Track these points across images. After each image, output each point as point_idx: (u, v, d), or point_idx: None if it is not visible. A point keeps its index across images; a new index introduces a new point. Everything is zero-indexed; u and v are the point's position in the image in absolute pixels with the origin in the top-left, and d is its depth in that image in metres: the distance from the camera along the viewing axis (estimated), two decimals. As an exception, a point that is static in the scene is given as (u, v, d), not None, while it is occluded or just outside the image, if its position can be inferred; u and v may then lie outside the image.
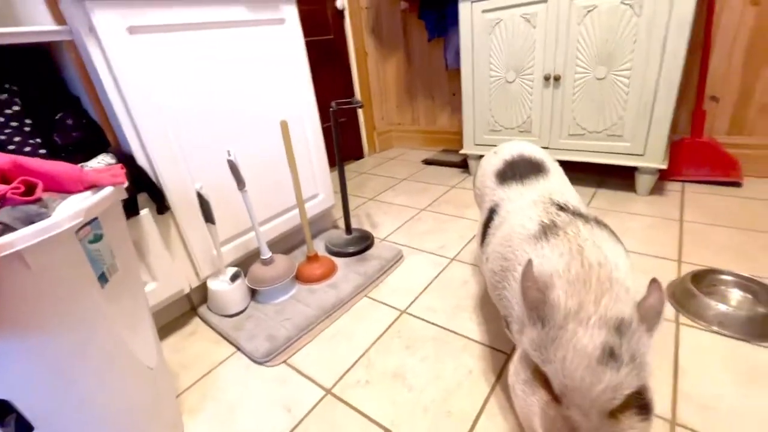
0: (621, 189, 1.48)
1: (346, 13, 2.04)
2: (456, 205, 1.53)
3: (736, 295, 0.88)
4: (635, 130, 1.32)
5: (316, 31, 1.93)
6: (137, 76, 0.80)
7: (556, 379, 0.41)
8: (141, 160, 0.84)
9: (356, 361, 0.82)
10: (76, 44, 0.77)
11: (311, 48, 1.91)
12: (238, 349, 0.90)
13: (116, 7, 0.75)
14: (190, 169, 0.92)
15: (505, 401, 0.70)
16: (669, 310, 0.86)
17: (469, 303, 0.96)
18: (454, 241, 1.25)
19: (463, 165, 1.94)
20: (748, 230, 1.11)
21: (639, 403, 0.40)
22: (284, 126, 0.95)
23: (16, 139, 0.75)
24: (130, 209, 0.81)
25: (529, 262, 0.48)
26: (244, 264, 1.12)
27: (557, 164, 0.80)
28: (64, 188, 0.52)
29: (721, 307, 0.80)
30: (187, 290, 0.97)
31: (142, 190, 0.83)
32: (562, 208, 0.61)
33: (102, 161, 0.77)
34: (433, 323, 0.91)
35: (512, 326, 0.55)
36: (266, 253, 1.01)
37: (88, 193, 0.54)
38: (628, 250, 1.05)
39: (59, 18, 0.76)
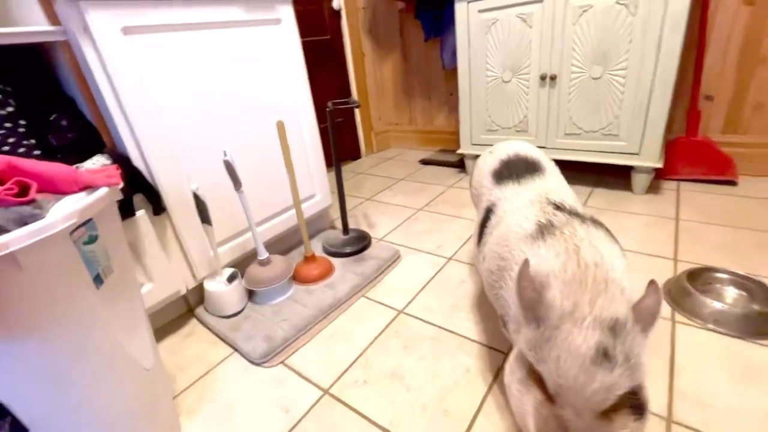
0: (617, 188, 1.48)
1: (343, 14, 2.04)
2: (453, 204, 1.53)
3: (731, 292, 0.88)
4: (631, 129, 1.32)
5: (312, 31, 1.93)
6: (132, 76, 0.79)
7: (550, 378, 0.41)
8: (137, 160, 0.84)
9: (354, 361, 0.82)
10: (70, 45, 0.76)
11: (308, 48, 1.91)
12: (236, 350, 0.89)
13: (111, 8, 0.75)
14: (186, 169, 0.91)
15: (502, 400, 0.70)
16: (665, 309, 0.86)
17: (466, 302, 0.96)
18: (452, 241, 1.25)
19: (461, 165, 1.95)
20: (743, 228, 1.12)
21: (633, 403, 0.40)
22: (280, 126, 0.94)
23: (11, 140, 0.75)
24: (126, 210, 0.80)
25: (526, 262, 0.48)
26: (241, 265, 1.11)
27: (553, 163, 0.80)
28: (58, 189, 0.52)
29: (717, 305, 0.81)
30: (183, 291, 0.97)
31: (138, 191, 0.83)
32: (558, 207, 0.61)
33: (97, 162, 0.76)
34: (430, 323, 0.91)
35: (509, 325, 0.55)
36: (263, 254, 1.01)
37: (82, 194, 0.54)
38: (624, 249, 1.06)
39: (53, 18, 0.75)
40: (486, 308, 0.93)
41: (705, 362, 0.72)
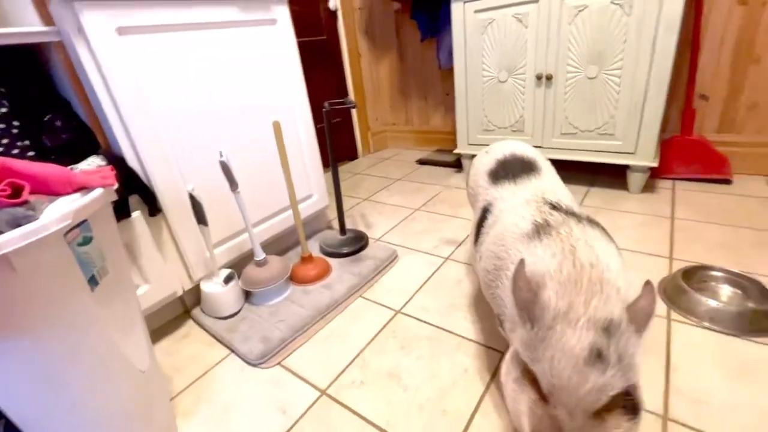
0: (613, 187, 1.49)
1: (339, 14, 2.04)
2: (450, 204, 1.53)
3: (726, 290, 0.89)
4: (626, 128, 1.33)
5: (309, 31, 1.93)
6: (127, 77, 0.79)
7: (544, 378, 0.42)
8: (132, 161, 0.83)
9: (351, 362, 0.82)
10: (64, 45, 0.76)
11: (304, 49, 1.91)
12: (233, 351, 0.89)
13: (105, 8, 0.74)
14: (182, 170, 0.91)
15: (499, 399, 0.70)
16: (661, 307, 0.87)
17: (463, 302, 0.96)
18: (449, 240, 1.25)
19: (457, 165, 1.95)
20: (738, 227, 1.12)
21: (627, 403, 0.40)
22: (277, 127, 0.94)
23: (4, 141, 0.74)
24: (122, 211, 0.80)
25: (521, 262, 0.48)
26: (238, 265, 1.11)
27: (549, 163, 0.80)
28: (52, 190, 0.52)
29: (712, 303, 0.81)
30: (180, 293, 0.96)
31: (134, 192, 0.82)
32: (554, 207, 0.61)
33: (92, 163, 0.76)
34: (427, 323, 0.91)
35: (505, 325, 0.55)
36: (260, 255, 1.01)
37: (77, 195, 0.54)
38: (620, 248, 1.06)
39: (47, 19, 0.75)
40: (483, 308, 0.93)
41: (700, 360, 0.73)
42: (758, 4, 1.27)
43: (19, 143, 0.76)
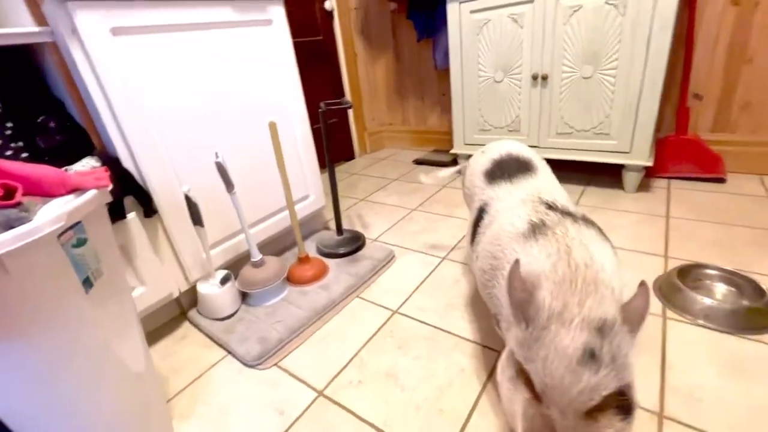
0: (609, 186, 1.50)
1: (335, 14, 2.04)
2: (447, 204, 1.54)
3: (721, 288, 0.89)
4: (622, 128, 1.33)
5: (305, 32, 1.92)
6: (122, 77, 0.79)
7: (537, 377, 0.42)
8: (127, 162, 0.83)
9: (348, 362, 0.82)
10: (58, 46, 0.75)
11: (300, 49, 1.90)
12: (229, 352, 0.89)
13: (99, 8, 0.74)
14: (178, 171, 0.91)
15: (496, 399, 0.70)
16: (656, 305, 0.87)
17: (460, 302, 0.96)
18: (446, 240, 1.25)
19: (454, 164, 1.95)
20: (732, 225, 1.13)
21: (620, 403, 0.40)
22: (273, 127, 0.94)
23: (-3, 142, 0.74)
24: (117, 213, 0.80)
25: (516, 263, 0.48)
26: (235, 266, 1.11)
27: (545, 162, 0.81)
28: (45, 192, 0.51)
29: (707, 301, 0.82)
30: (176, 294, 0.96)
31: (129, 193, 0.82)
32: (550, 206, 0.62)
33: (87, 164, 0.75)
34: (425, 323, 0.91)
35: (501, 324, 0.56)
36: (256, 256, 1.01)
37: (70, 196, 0.53)
38: (616, 247, 1.07)
39: (41, 19, 0.74)
40: (480, 307, 0.93)
41: (695, 358, 0.73)
42: (751, 5, 1.28)
43: (12, 144, 0.76)
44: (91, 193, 0.53)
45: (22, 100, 0.79)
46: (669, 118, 1.52)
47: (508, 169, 0.75)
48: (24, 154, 0.77)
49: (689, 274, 0.91)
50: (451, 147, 1.82)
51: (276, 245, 1.27)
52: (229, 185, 0.90)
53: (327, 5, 1.99)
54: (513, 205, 0.65)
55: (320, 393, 0.76)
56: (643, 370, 0.72)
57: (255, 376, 0.82)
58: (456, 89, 1.65)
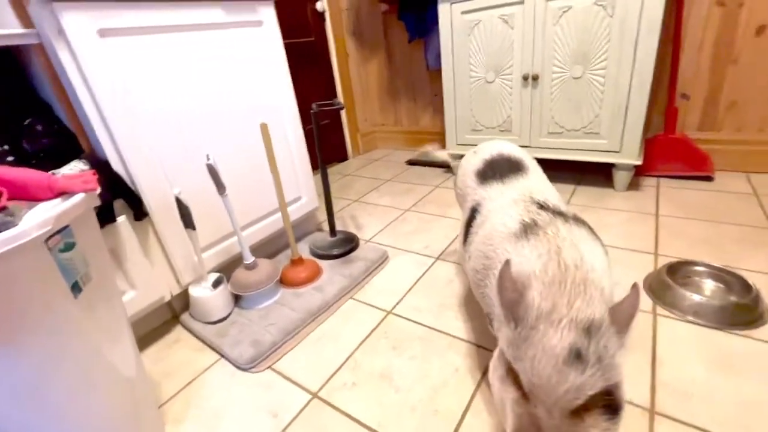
0: (599, 185, 1.51)
1: (327, 15, 2.04)
2: (440, 204, 1.54)
3: (709, 285, 0.91)
4: (611, 127, 1.35)
5: (296, 33, 1.92)
6: (110, 79, 0.78)
7: (525, 376, 0.42)
8: (116, 165, 0.82)
9: (343, 364, 0.82)
10: (44, 47, 0.74)
11: (292, 50, 1.90)
12: (222, 356, 0.88)
13: (86, 9, 0.73)
14: (168, 174, 0.90)
15: (490, 398, 0.70)
16: (646, 302, 0.88)
17: (454, 301, 0.97)
18: (439, 241, 1.26)
19: (446, 165, 1.96)
20: (720, 223, 1.15)
21: (607, 403, 0.41)
22: (264, 128, 0.94)
23: (-18, 146, 0.72)
24: (107, 216, 0.79)
25: (507, 263, 0.48)
26: (227, 269, 1.10)
27: (536, 162, 0.81)
28: (32, 196, 0.50)
29: (696, 298, 0.83)
30: (168, 298, 0.95)
31: (119, 196, 0.81)
32: (542, 206, 0.62)
33: (75, 168, 0.74)
34: (419, 323, 0.91)
35: (494, 323, 0.56)
36: (249, 258, 1.00)
37: (58, 200, 0.52)
38: (606, 245, 1.08)
39: (26, 21, 0.73)
40: (474, 307, 0.94)
41: (685, 353, 0.74)
42: (735, 5, 1.30)
43: (-2, 148, 0.74)
44: (79, 197, 0.52)
45: (7, 103, 0.78)
46: (657, 117, 1.55)
47: (499, 169, 0.76)
48: (10, 158, 0.75)
49: (678, 271, 0.92)
50: (444, 147, 1.83)
51: (269, 247, 1.26)
52: (220, 187, 0.90)
53: (318, 6, 1.98)
54: (505, 205, 0.66)
55: (314, 395, 0.75)
56: (634, 367, 0.73)
57: (248, 379, 0.81)
58: (448, 90, 1.65)
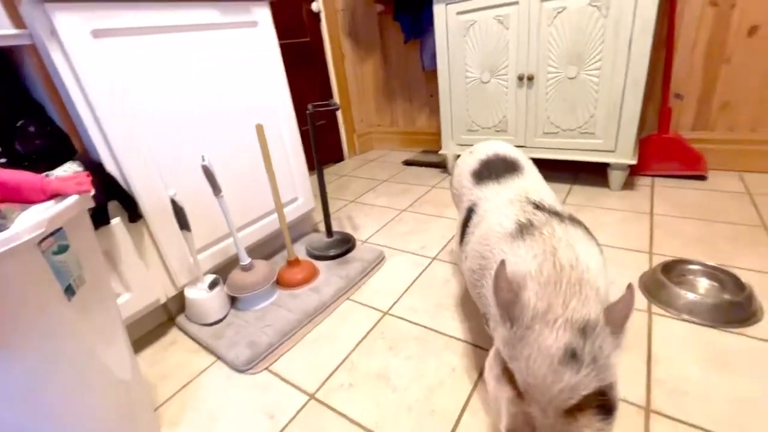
0: (594, 185, 1.52)
1: (322, 16, 2.03)
2: (436, 205, 1.54)
3: (703, 283, 0.91)
4: (606, 127, 1.36)
5: (292, 33, 1.92)
6: (104, 80, 0.77)
7: (520, 376, 0.42)
8: (110, 167, 0.81)
9: (339, 365, 0.82)
10: (37, 48, 0.74)
11: (288, 51, 1.89)
12: (219, 357, 0.88)
13: (79, 10, 0.73)
14: (163, 175, 0.89)
15: (486, 397, 0.70)
16: (641, 301, 0.89)
17: (450, 302, 0.97)
18: (435, 241, 1.26)
19: (443, 165, 1.96)
20: (714, 222, 1.16)
21: (601, 403, 0.41)
22: (260, 129, 0.93)
23: (-26, 148, 0.72)
24: (101, 218, 0.78)
25: (502, 263, 0.49)
26: (223, 271, 1.09)
27: (531, 162, 0.82)
28: (24, 198, 0.50)
29: (690, 296, 0.83)
30: (163, 300, 0.94)
31: (113, 198, 0.81)
32: (538, 206, 0.62)
33: (68, 169, 0.74)
34: (416, 323, 0.91)
35: (490, 323, 0.56)
36: (245, 259, 1.00)
37: (51, 202, 0.52)
38: (602, 245, 1.08)
39: (18, 21, 0.73)
40: (470, 307, 0.94)
41: (680, 351, 0.75)
42: (727, 6, 1.31)
43: (-10, 150, 0.74)
44: (72, 199, 0.52)
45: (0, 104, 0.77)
46: (651, 117, 1.56)
47: (495, 169, 0.76)
48: (2, 160, 0.74)
49: (673, 270, 0.93)
50: (440, 148, 1.83)
51: (265, 248, 1.26)
52: (216, 189, 0.89)
53: (314, 7, 1.98)
54: (501, 205, 0.66)
55: (311, 396, 0.75)
56: (629, 365, 0.73)
57: (245, 380, 0.81)
58: (444, 90, 1.66)
